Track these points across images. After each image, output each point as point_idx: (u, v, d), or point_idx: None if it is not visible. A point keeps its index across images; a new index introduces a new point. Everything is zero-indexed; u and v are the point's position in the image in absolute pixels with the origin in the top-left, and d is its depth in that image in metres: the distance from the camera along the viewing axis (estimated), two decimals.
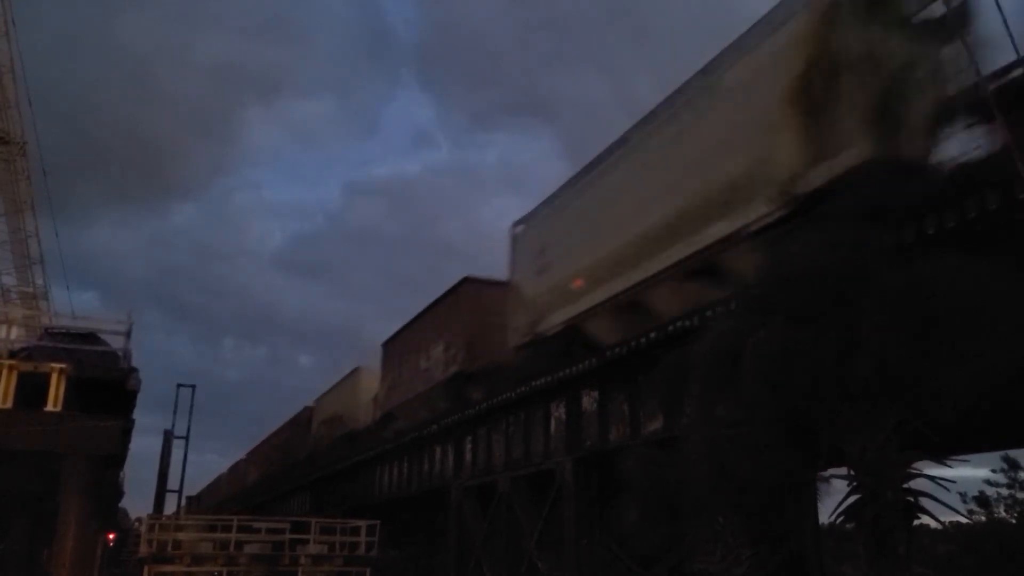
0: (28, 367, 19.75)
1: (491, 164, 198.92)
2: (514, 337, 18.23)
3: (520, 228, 18.90)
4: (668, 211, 12.55)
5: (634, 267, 13.48)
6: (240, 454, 62.20)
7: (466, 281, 22.77)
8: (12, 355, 20.25)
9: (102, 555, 34.90)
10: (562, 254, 16.41)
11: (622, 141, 14.95)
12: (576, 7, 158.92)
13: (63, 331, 23.03)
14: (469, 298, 22.36)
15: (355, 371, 33.79)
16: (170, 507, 39.30)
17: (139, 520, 32.63)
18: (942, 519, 9.44)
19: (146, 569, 18.58)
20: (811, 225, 8.90)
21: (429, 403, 23.92)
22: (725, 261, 11.11)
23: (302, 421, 41.45)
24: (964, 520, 20.96)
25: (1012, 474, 24.10)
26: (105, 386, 20.36)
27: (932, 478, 7.71)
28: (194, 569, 18.99)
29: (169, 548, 18.86)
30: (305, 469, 37.81)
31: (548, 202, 17.87)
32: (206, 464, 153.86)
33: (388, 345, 29.57)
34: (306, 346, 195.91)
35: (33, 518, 22.53)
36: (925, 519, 8.11)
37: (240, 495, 55.30)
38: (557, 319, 16.39)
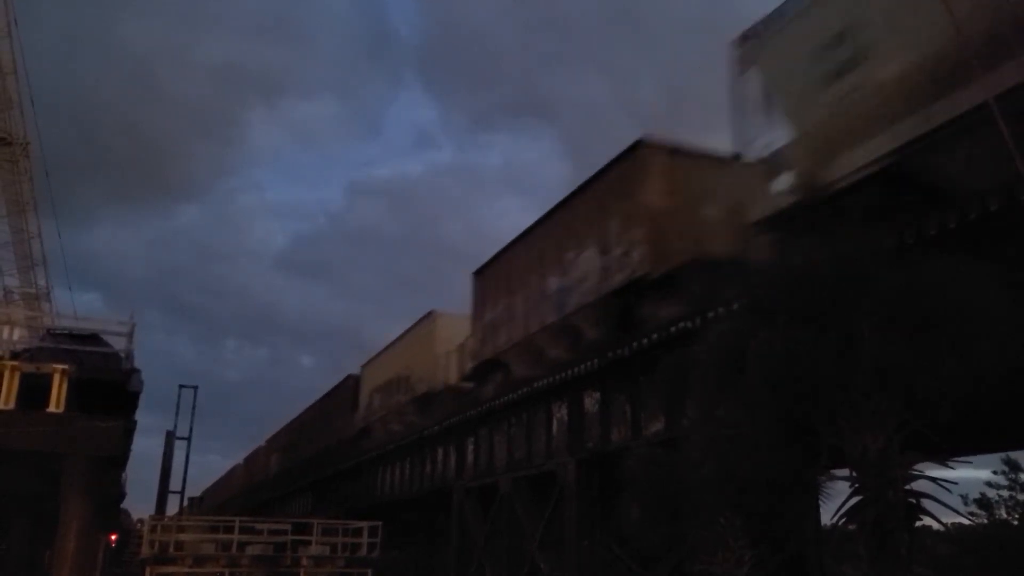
0: (30, 368, 19.78)
1: (493, 165, 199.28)
2: (757, 208, 10.85)
3: (751, 43, 11.53)
4: None
5: None
6: (241, 454, 62.19)
7: (641, 145, 15.08)
8: (15, 356, 20.33)
9: (104, 556, 35.01)
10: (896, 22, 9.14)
11: None
12: (577, 8, 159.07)
13: (65, 332, 23.11)
14: (652, 168, 14.78)
15: (428, 316, 26.67)
16: (172, 508, 39.30)
17: (141, 521, 32.74)
18: (944, 520, 9.48)
19: (148, 570, 18.59)
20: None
21: (567, 336, 16.86)
22: None
23: (344, 393, 34.78)
24: (966, 522, 20.99)
25: (1013, 476, 24.08)
26: (107, 387, 20.42)
27: (934, 479, 7.72)
28: (196, 570, 18.99)
29: (171, 549, 18.89)
30: (356, 447, 31.73)
31: None
32: (208, 465, 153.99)
33: (483, 273, 22.16)
34: (307, 346, 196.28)
35: (34, 519, 22.58)
36: (927, 520, 8.13)
37: (244, 494, 55.35)
38: (866, 154, 9.22)
